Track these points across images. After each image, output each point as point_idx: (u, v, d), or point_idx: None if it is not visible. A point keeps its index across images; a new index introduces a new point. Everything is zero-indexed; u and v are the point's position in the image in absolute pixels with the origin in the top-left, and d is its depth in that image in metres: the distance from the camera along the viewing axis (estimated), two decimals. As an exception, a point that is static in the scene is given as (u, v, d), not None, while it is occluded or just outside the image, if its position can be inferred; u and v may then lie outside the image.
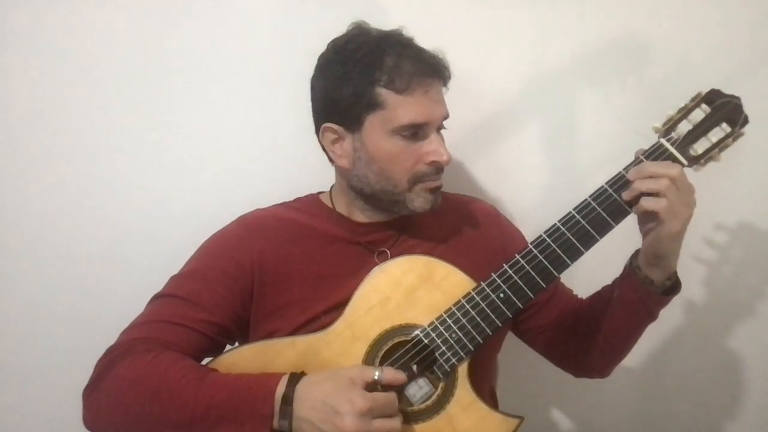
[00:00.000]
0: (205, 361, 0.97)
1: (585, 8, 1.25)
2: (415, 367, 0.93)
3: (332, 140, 1.02)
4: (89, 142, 1.29)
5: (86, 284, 1.32)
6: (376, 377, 0.87)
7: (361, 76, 0.95)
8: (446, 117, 1.01)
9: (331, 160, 1.05)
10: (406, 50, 0.97)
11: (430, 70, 0.98)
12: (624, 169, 0.93)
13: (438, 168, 1.00)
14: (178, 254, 1.05)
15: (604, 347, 1.04)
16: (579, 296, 1.15)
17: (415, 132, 0.97)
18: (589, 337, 1.05)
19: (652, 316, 1.01)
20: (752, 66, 1.24)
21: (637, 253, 0.98)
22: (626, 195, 0.91)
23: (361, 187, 1.02)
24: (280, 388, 0.85)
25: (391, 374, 0.89)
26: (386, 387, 0.90)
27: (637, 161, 0.93)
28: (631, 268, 0.98)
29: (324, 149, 1.05)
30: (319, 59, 1.03)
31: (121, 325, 0.98)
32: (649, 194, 0.89)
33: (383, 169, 0.99)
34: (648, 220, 0.91)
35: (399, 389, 0.93)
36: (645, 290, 0.96)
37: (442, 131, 1.03)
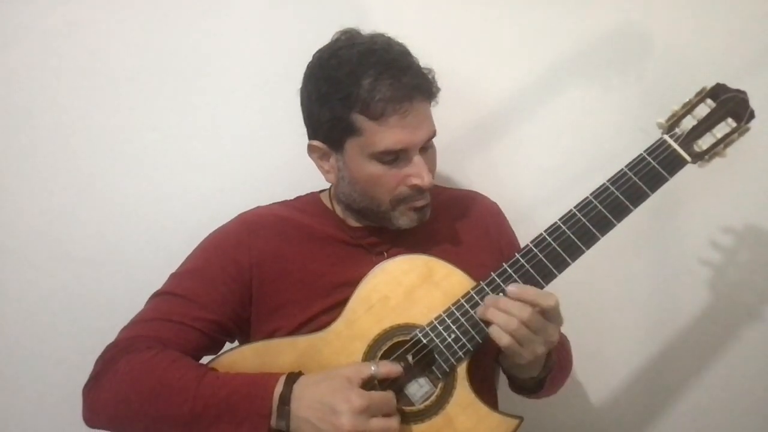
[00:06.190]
0: (205, 360, 0.96)
1: (585, 2, 1.24)
2: (410, 358, 0.92)
3: (319, 156, 1.02)
4: (89, 141, 1.29)
5: (86, 283, 1.32)
6: (372, 371, 0.87)
7: (337, 101, 0.93)
8: (432, 136, 0.98)
9: None
10: (386, 71, 0.92)
11: (409, 93, 0.92)
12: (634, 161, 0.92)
13: (420, 190, 0.98)
14: (178, 253, 1.05)
15: None
16: None
17: (396, 156, 0.95)
18: None
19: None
20: (757, 59, 1.23)
21: None
22: (480, 312, 0.90)
23: (348, 203, 1.04)
24: (278, 388, 0.85)
25: (387, 367, 0.88)
26: (385, 383, 0.90)
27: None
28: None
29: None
30: (306, 69, 1.01)
31: (120, 323, 0.98)
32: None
33: (365, 190, 0.99)
34: None
35: (399, 388, 0.93)
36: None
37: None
